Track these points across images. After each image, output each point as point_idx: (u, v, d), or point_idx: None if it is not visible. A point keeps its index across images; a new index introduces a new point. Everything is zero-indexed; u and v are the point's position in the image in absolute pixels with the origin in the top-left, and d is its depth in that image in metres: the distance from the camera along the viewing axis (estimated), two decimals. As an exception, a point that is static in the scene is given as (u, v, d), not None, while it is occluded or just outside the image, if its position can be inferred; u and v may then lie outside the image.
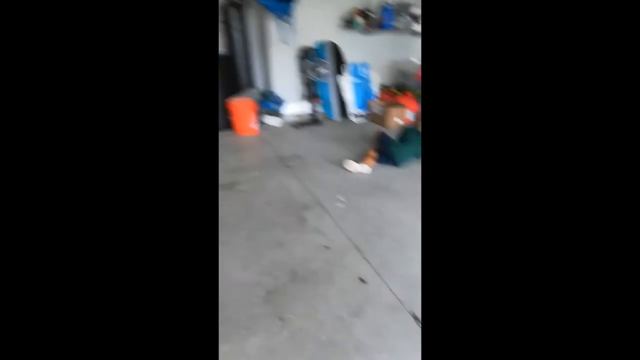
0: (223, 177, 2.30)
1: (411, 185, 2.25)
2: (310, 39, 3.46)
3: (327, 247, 1.61)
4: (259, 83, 3.63)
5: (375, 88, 3.76)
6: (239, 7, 3.15)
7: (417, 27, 3.55)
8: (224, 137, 3.08)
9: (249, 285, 1.37)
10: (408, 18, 3.46)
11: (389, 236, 1.72)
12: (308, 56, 3.41)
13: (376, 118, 3.53)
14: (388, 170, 2.46)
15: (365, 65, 3.68)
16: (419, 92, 3.67)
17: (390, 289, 1.37)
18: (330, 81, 3.56)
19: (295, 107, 3.68)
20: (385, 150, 2.52)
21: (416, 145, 2.55)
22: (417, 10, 3.43)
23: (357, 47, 3.65)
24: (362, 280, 1.41)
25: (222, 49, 3.31)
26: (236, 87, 3.30)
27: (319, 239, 1.67)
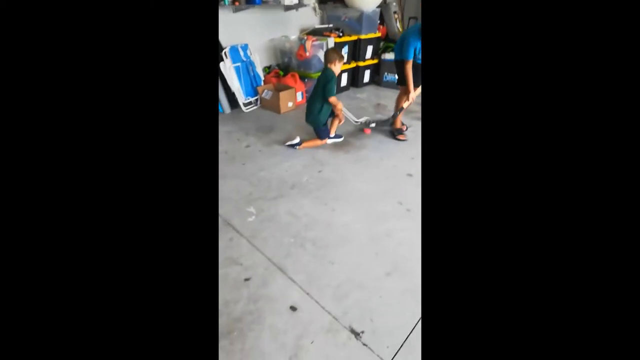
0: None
1: (315, 174, 2.10)
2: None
3: (247, 279, 1.35)
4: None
5: (260, 71, 3.35)
6: None
7: (288, 0, 3.18)
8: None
9: None
10: (277, -9, 3.07)
11: (309, 241, 1.55)
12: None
13: (268, 104, 3.19)
14: (288, 162, 2.24)
15: (245, 46, 3.19)
16: (303, 71, 3.42)
17: (323, 308, 1.23)
18: (209, 70, 2.99)
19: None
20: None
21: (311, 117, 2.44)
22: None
23: (231, 27, 3.10)
24: (293, 309, 1.23)
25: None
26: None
27: (237, 270, 1.40)
